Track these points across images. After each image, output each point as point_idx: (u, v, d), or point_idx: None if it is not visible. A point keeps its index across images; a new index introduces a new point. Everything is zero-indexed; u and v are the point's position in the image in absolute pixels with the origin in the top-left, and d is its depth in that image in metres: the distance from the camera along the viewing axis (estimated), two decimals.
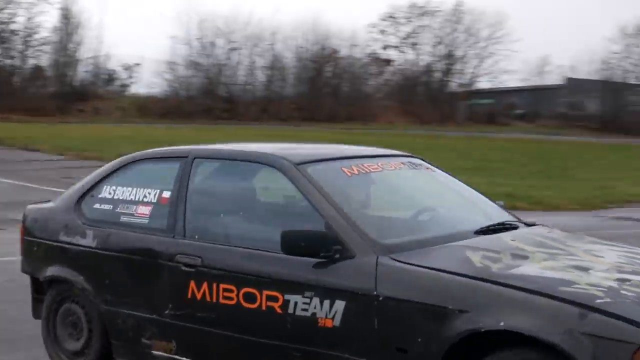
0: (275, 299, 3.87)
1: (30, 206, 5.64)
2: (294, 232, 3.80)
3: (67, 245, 4.99)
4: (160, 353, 4.53)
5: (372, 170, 4.59)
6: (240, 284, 4.02)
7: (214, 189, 4.81)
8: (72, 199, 5.15)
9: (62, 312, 5.13)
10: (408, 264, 3.62)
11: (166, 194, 4.66)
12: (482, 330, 3.23)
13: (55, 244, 5.09)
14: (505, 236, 4.26)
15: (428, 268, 3.58)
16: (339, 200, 4.04)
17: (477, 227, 4.28)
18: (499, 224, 4.42)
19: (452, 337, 3.31)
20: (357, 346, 3.61)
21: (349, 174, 4.44)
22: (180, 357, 4.43)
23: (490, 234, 4.23)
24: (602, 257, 4.02)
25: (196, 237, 4.38)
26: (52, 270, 5.09)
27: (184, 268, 4.29)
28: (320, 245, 3.75)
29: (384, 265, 3.62)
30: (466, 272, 3.50)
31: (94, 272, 4.83)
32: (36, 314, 5.42)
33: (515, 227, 4.46)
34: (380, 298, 3.53)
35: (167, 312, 4.41)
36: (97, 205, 4.99)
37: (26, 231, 5.40)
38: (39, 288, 5.34)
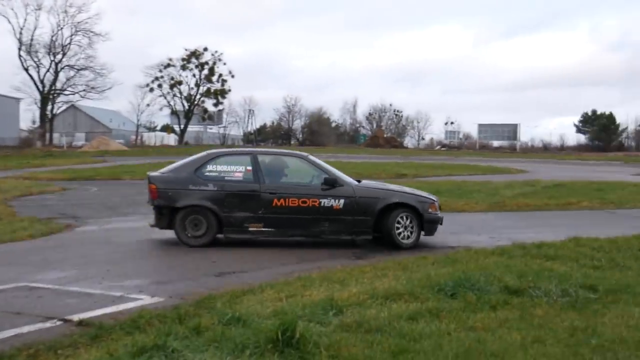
0: (315, 201, 12.78)
1: (152, 173, 13.20)
2: (330, 178, 12.95)
3: (196, 190, 12.68)
4: (253, 228, 12.68)
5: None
6: (299, 197, 12.75)
7: (270, 166, 13.32)
8: (191, 170, 12.94)
9: (190, 220, 12.63)
10: (365, 187, 13.51)
11: (248, 168, 12.94)
12: (391, 202, 13.01)
13: (187, 190, 12.69)
14: (367, 181, 14.78)
15: (373, 187, 13.70)
16: (331, 167, 13.79)
17: (356, 180, 13.77)
18: (357, 179, 13.98)
19: (381, 206, 12.95)
20: (347, 213, 12.84)
21: (321, 160, 14.40)
22: (265, 229, 12.72)
23: (359, 182, 13.73)
24: (394, 185, 15.02)
25: (270, 183, 12.83)
26: (188, 201, 12.63)
27: (269, 194, 12.69)
28: (335, 182, 12.91)
29: (356, 187, 13.20)
30: (382, 187, 13.90)
31: (216, 199, 12.64)
32: (159, 225, 12.89)
33: (360, 181, 13.94)
34: (357, 197, 12.95)
35: (260, 212, 12.66)
36: (207, 173, 12.86)
37: (159, 185, 12.76)
38: (162, 212, 12.73)
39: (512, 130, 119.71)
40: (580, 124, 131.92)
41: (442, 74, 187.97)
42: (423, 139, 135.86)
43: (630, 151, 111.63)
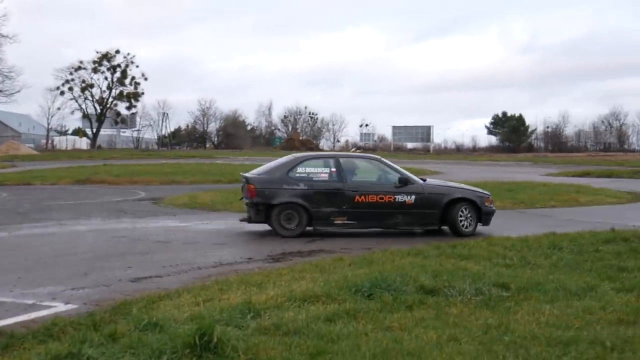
0: (391, 198, 15.08)
1: (249, 175, 15.38)
2: (403, 177, 15.38)
3: (289, 189, 14.86)
4: (339, 222, 14.97)
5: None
6: (377, 194, 15.05)
7: (350, 167, 15.56)
8: (283, 171, 15.18)
9: (284, 214, 14.72)
10: (431, 184, 16.11)
11: (333, 169, 15.25)
12: (455, 197, 15.41)
13: (281, 189, 14.84)
14: (431, 179, 17.51)
15: (438, 185, 16.51)
16: (400, 168, 16.16)
17: (422, 178, 16.21)
18: (422, 178, 16.26)
19: (446, 200, 15.33)
20: (418, 207, 15.17)
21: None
22: (348, 222, 15.01)
23: (425, 180, 16.07)
24: (454, 182, 18.26)
25: (351, 182, 15.14)
26: (283, 199, 14.75)
27: (352, 192, 14.96)
28: (407, 181, 15.30)
29: (424, 185, 15.60)
30: (445, 185, 16.85)
31: (307, 197, 14.84)
32: (256, 220, 15.00)
33: (425, 179, 16.18)
34: (426, 193, 15.33)
35: (344, 207, 14.92)
36: (296, 175, 15.09)
37: (257, 185, 14.84)
38: (259, 208, 14.76)
39: (425, 132, 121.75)
40: (492, 126, 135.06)
41: (356, 76, 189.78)
42: (338, 141, 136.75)
43: (540, 152, 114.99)
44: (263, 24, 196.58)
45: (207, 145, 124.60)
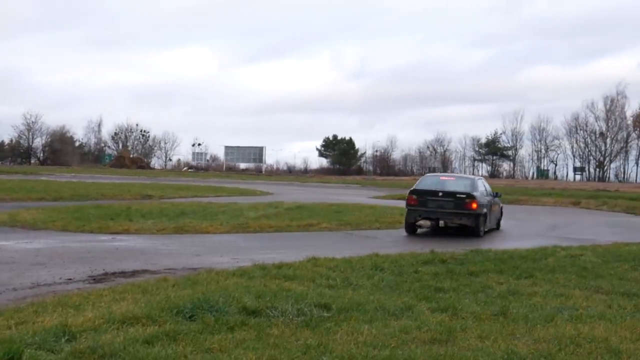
0: (496, 206, 24.01)
1: (474, 192, 21.60)
2: (496, 192, 24.69)
3: (485, 203, 21.95)
4: (488, 224, 22.43)
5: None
6: (495, 204, 23.94)
7: (485, 186, 23.97)
8: (477, 189, 22.18)
9: (482, 219, 21.46)
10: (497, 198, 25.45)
11: (484, 187, 23.36)
12: (501, 205, 25.98)
13: (483, 203, 21.74)
14: (497, 198, 25.25)
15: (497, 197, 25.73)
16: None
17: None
18: (497, 194, 24.88)
19: (501, 206, 25.79)
20: (499, 212, 25.10)
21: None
22: (490, 222, 23.21)
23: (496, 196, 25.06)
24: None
25: (486, 195, 22.89)
26: (484, 210, 21.67)
27: (492, 203, 23.19)
28: (497, 194, 24.67)
29: (497, 198, 25.10)
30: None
31: (486, 207, 22.02)
32: (473, 224, 21.28)
33: (500, 195, 25.77)
34: (500, 203, 25.38)
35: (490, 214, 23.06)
36: (477, 192, 21.90)
37: (478, 201, 21.25)
38: (475, 217, 21.25)
39: (258, 153, 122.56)
40: (322, 148, 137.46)
41: (190, 95, 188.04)
42: (170, 160, 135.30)
43: (369, 175, 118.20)
44: (94, 38, 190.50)
45: (32, 161, 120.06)
